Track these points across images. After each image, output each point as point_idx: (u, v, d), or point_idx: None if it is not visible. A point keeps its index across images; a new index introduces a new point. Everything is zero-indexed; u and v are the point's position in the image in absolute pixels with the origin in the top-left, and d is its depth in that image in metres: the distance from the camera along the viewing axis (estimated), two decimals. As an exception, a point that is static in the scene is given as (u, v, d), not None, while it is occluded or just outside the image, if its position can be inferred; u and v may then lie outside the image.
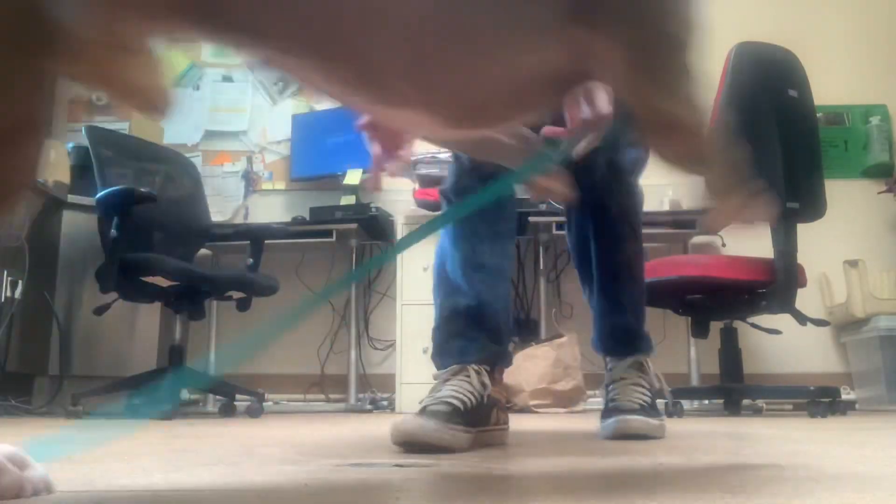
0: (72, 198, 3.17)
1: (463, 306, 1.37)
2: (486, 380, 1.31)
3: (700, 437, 1.48)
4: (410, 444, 1.14)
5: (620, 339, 1.60)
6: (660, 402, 1.69)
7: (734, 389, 2.76)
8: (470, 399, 1.26)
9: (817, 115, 2.68)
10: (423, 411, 1.23)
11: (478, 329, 1.36)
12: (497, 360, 1.37)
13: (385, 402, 3.51)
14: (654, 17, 0.78)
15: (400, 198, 3.71)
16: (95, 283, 2.64)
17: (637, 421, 1.39)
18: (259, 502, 0.63)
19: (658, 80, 0.78)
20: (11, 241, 2.84)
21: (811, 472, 0.85)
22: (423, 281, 3.15)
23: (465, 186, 1.44)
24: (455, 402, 1.24)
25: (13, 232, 2.86)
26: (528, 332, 3.41)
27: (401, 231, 3.23)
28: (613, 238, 1.62)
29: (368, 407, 3.49)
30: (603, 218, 1.60)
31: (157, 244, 2.92)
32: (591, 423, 2.12)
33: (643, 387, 1.50)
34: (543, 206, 3.33)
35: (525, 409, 3.11)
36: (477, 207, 1.32)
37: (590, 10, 0.73)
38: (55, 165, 3.20)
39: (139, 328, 3.31)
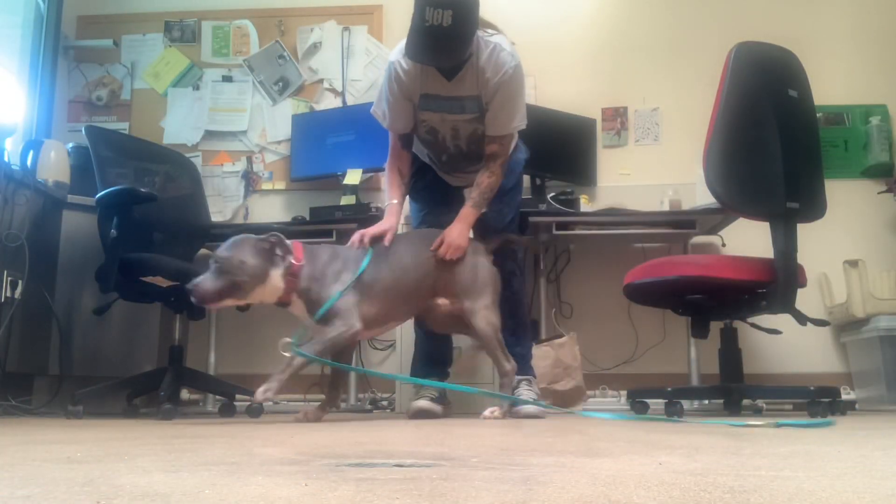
0: (72, 198, 3.17)
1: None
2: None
3: (700, 437, 1.48)
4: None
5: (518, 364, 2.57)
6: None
7: (734, 389, 2.76)
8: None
9: (817, 115, 2.68)
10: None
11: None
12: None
13: (385, 403, 3.51)
14: None
15: (400, 198, 3.72)
16: (95, 283, 2.64)
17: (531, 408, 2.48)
18: (259, 502, 0.63)
19: None
20: (11, 240, 2.84)
21: (811, 472, 0.85)
22: (423, 281, 3.14)
23: None
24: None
25: (13, 232, 2.86)
26: (528, 332, 3.41)
27: (400, 231, 3.22)
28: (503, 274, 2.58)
29: (368, 407, 3.49)
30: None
31: (157, 244, 2.92)
32: (592, 423, 2.12)
33: (532, 391, 2.61)
34: (543, 207, 3.34)
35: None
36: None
37: None
38: (55, 165, 3.20)
39: (139, 328, 3.32)
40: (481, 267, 2.45)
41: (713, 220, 3.33)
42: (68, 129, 3.94)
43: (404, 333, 3.11)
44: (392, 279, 2.36)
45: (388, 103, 2.52)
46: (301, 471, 0.86)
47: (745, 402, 3.02)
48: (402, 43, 2.42)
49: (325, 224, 3.36)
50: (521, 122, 2.54)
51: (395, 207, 2.54)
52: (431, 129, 2.55)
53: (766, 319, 2.75)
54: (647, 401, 2.86)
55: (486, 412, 2.36)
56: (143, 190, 2.67)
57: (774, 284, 2.49)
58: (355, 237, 2.44)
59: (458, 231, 2.45)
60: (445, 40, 2.26)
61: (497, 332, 2.43)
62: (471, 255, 2.44)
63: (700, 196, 3.29)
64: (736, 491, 0.69)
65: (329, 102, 3.98)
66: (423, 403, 2.49)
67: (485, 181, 2.51)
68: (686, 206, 3.40)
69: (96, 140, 2.91)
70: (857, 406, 3.33)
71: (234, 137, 3.99)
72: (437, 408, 2.51)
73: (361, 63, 4.01)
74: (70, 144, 3.37)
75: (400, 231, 2.58)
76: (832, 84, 3.70)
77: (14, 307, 2.79)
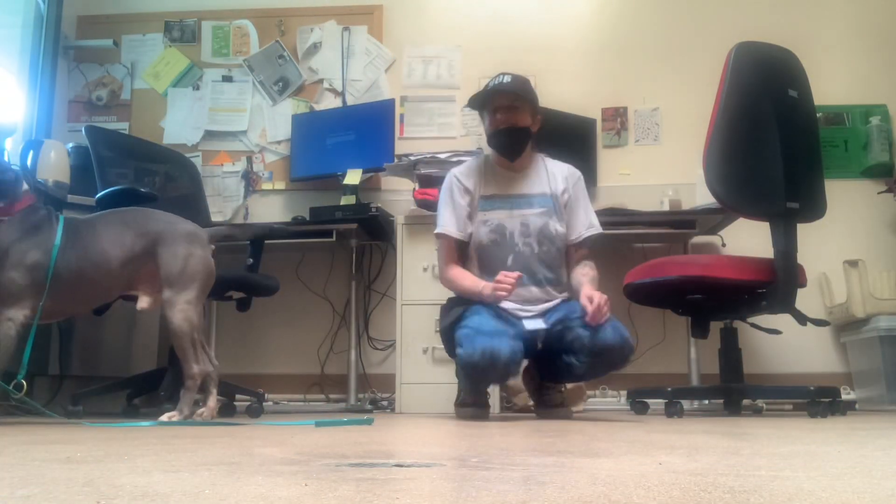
0: (72, 198, 3.17)
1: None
2: None
3: (700, 436, 1.48)
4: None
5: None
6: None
7: (734, 389, 2.76)
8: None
9: (817, 115, 2.68)
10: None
11: None
12: None
13: (385, 403, 3.51)
14: None
15: (400, 198, 3.72)
16: (95, 283, 2.63)
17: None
18: (259, 502, 0.63)
19: None
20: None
21: (811, 472, 0.85)
22: (423, 281, 3.15)
23: None
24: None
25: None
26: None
27: (401, 231, 3.23)
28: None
29: (368, 407, 3.49)
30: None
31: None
32: (592, 423, 2.12)
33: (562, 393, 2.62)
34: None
35: (525, 409, 3.11)
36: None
37: None
38: (55, 165, 3.20)
39: (139, 328, 3.32)
40: (194, 258, 2.22)
41: (713, 220, 3.33)
42: (68, 129, 3.94)
43: (405, 333, 3.11)
44: (78, 267, 2.11)
45: (451, 210, 2.53)
46: (301, 471, 0.86)
47: (745, 402, 3.02)
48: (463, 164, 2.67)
49: (325, 224, 3.36)
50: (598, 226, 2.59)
51: (490, 285, 2.36)
52: (498, 227, 2.49)
53: (766, 319, 2.75)
54: (647, 401, 2.87)
55: (164, 416, 2.16)
56: (143, 190, 2.67)
57: (774, 284, 2.49)
58: (504, 293, 2.31)
59: (596, 291, 2.34)
60: (507, 86, 2.50)
61: (193, 331, 2.19)
62: (186, 244, 2.22)
63: (700, 196, 3.29)
64: (736, 491, 0.69)
65: (329, 102, 3.98)
66: (474, 411, 2.50)
67: (589, 273, 2.50)
68: (686, 206, 3.40)
69: (96, 140, 2.91)
70: (857, 406, 3.33)
71: (234, 137, 4.00)
72: (485, 412, 2.53)
73: (361, 63, 4.01)
74: (70, 144, 3.37)
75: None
76: (832, 84, 3.70)
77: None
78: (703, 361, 3.37)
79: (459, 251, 2.55)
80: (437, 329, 2.61)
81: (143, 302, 2.25)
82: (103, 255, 2.15)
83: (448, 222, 2.53)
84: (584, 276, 2.49)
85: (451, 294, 2.57)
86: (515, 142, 2.54)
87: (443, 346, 2.59)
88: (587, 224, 2.56)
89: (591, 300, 2.29)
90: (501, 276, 2.32)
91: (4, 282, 2.05)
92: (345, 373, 3.58)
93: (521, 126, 2.51)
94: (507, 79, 2.51)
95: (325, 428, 1.85)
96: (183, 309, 2.17)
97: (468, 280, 2.47)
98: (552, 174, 2.59)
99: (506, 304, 2.42)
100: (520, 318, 2.43)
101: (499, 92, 2.50)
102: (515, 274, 2.33)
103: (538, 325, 2.40)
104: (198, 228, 2.31)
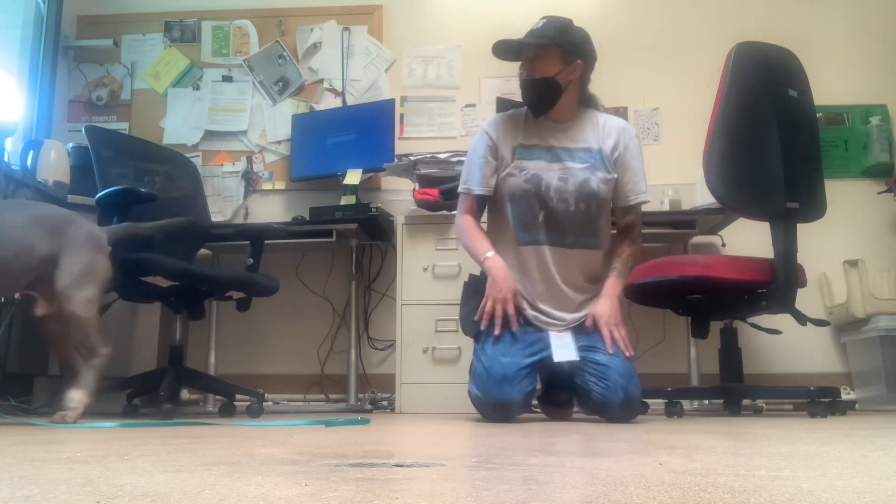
0: (72, 198, 3.17)
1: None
2: None
3: (700, 436, 1.48)
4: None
5: None
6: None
7: (734, 389, 2.76)
8: None
9: (817, 115, 2.68)
10: None
11: None
12: None
13: (385, 403, 3.51)
14: None
15: (400, 198, 3.72)
16: (95, 283, 2.63)
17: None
18: (259, 502, 0.63)
19: None
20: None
21: (811, 472, 0.85)
22: (423, 281, 3.15)
23: None
24: None
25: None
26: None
27: (401, 231, 3.23)
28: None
29: (368, 407, 3.49)
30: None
31: (157, 244, 2.91)
32: (592, 423, 2.12)
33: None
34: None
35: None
36: None
37: None
38: (55, 165, 3.20)
39: (139, 328, 3.31)
40: (96, 262, 2.23)
41: (713, 220, 3.33)
42: (68, 129, 3.94)
43: (405, 333, 3.11)
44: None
45: (471, 164, 2.41)
46: (301, 471, 0.86)
47: (745, 402, 3.02)
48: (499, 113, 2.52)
49: (325, 224, 3.35)
50: (647, 191, 2.46)
51: (497, 259, 2.29)
52: (533, 177, 2.32)
53: (766, 319, 2.75)
54: (647, 401, 2.86)
55: (71, 399, 2.19)
56: (143, 190, 2.67)
57: (774, 284, 2.49)
58: (497, 309, 2.22)
59: (609, 306, 2.27)
60: (531, 33, 2.33)
61: (95, 318, 2.21)
62: (91, 250, 2.22)
63: (700, 196, 3.28)
64: (736, 491, 0.69)
65: (329, 102, 3.98)
66: None
67: (625, 250, 2.40)
68: (686, 206, 3.40)
69: (96, 140, 2.91)
70: (857, 406, 3.33)
71: (234, 137, 3.99)
72: None
73: (361, 63, 4.01)
74: (70, 144, 3.37)
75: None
76: (832, 84, 3.70)
77: (14, 307, 2.79)
78: (703, 361, 3.37)
79: (479, 205, 2.44)
80: (460, 315, 2.48)
81: (42, 308, 2.21)
82: (23, 244, 2.09)
83: (469, 179, 2.41)
84: (617, 260, 2.37)
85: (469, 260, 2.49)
86: (537, 95, 2.36)
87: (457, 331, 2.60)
88: (638, 189, 2.41)
89: (598, 322, 2.24)
90: (493, 302, 2.23)
91: None
92: (345, 373, 3.58)
93: (539, 77, 2.32)
94: (539, 24, 2.33)
95: (323, 428, 1.85)
96: (81, 301, 2.16)
97: (476, 243, 2.36)
98: (604, 130, 2.39)
99: (532, 312, 2.32)
100: (544, 331, 2.30)
101: (524, 44, 2.33)
102: (510, 312, 2.23)
103: (567, 354, 2.22)
104: (99, 231, 2.29)
